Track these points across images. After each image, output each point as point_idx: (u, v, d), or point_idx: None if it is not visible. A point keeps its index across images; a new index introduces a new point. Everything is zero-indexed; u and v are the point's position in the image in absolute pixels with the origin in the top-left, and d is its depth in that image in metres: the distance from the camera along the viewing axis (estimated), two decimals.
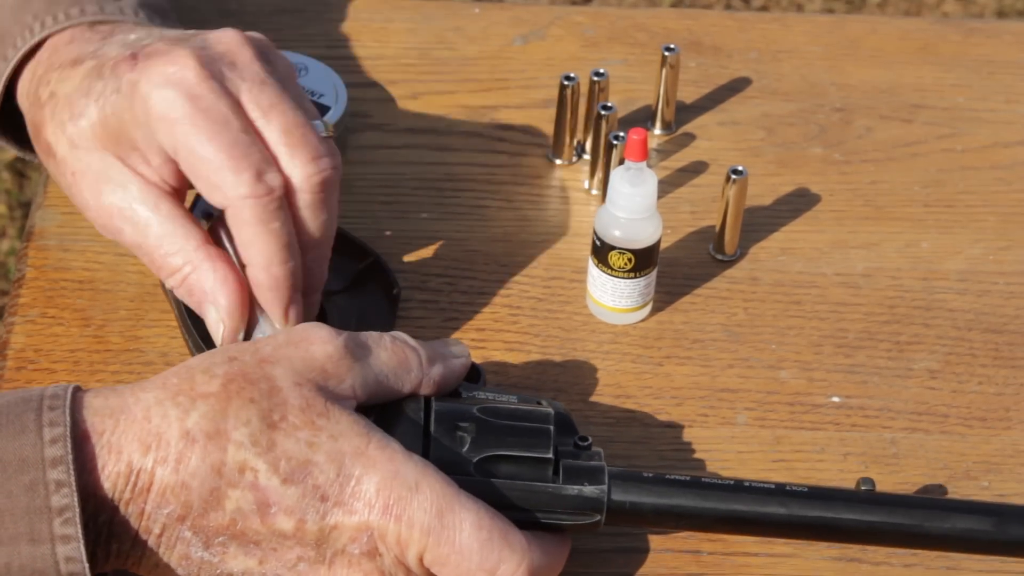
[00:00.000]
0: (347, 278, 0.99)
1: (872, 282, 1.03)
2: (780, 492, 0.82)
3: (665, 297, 1.01)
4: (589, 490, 0.82)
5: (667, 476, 0.83)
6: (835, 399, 0.96)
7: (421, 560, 0.79)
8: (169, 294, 0.94)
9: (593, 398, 0.95)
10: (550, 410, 0.84)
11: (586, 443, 0.84)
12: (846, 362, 0.98)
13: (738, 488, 0.82)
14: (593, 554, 0.87)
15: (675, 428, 0.94)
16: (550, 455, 0.82)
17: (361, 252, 1.00)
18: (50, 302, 0.99)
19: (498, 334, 0.98)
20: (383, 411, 0.82)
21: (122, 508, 0.77)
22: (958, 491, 0.91)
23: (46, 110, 0.91)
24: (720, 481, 0.83)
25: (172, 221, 0.89)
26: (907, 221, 1.06)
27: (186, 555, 0.78)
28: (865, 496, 0.83)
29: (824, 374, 0.97)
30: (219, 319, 0.88)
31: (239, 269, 0.89)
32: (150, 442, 0.76)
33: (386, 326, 0.96)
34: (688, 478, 0.83)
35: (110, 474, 0.76)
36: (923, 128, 1.13)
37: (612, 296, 0.98)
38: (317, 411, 0.78)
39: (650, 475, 0.83)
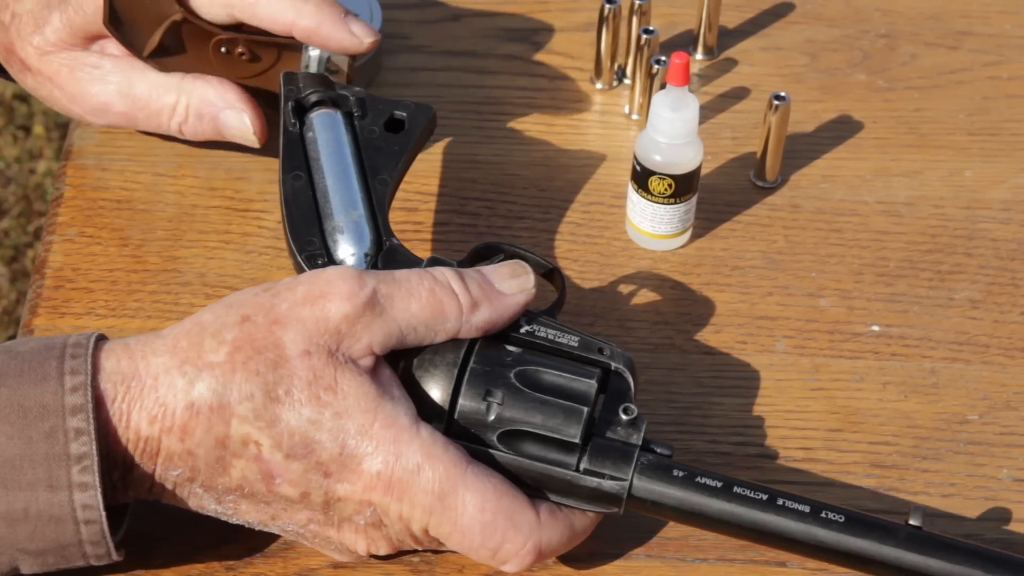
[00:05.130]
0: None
1: (914, 210, 1.02)
2: (815, 516, 0.78)
3: (705, 223, 1.00)
4: (609, 485, 0.79)
5: (697, 479, 0.79)
6: (875, 328, 0.95)
7: (427, 531, 0.79)
8: (282, 190, 0.89)
9: (631, 324, 0.95)
10: (593, 383, 0.80)
11: (630, 415, 0.80)
12: (887, 291, 0.97)
13: (770, 504, 0.78)
14: None
15: (713, 355, 0.93)
16: (576, 440, 0.79)
17: None
18: (88, 221, 0.99)
19: None
20: (416, 358, 0.80)
21: (134, 468, 0.77)
22: (997, 422, 0.90)
23: (11, 31, 0.97)
24: (752, 493, 0.79)
25: (149, 75, 0.96)
26: (951, 149, 1.05)
27: (200, 505, 0.79)
28: (905, 536, 0.78)
29: (864, 303, 0.97)
30: (240, 116, 0.95)
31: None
32: (156, 412, 0.76)
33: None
34: (719, 484, 0.79)
35: (121, 438, 0.76)
36: (969, 55, 1.11)
37: (652, 222, 0.97)
38: (324, 384, 0.76)
39: (681, 473, 0.79)
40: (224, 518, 0.79)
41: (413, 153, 0.92)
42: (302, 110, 0.92)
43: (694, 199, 0.97)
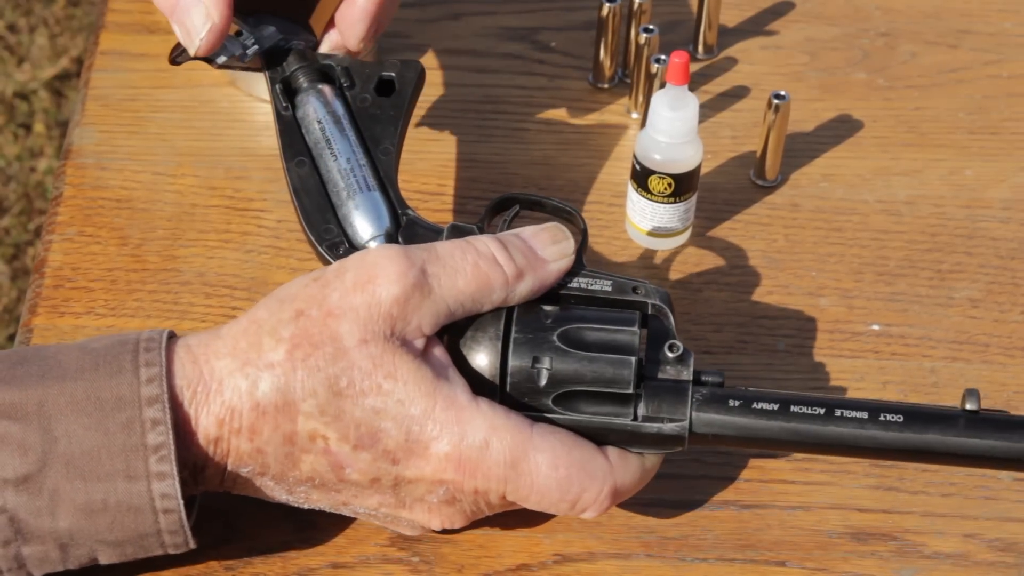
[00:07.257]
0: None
1: (914, 209, 1.02)
2: (874, 421, 0.78)
3: (705, 222, 1.00)
4: (669, 427, 0.79)
5: (754, 404, 0.79)
6: (875, 327, 0.95)
7: (503, 498, 0.79)
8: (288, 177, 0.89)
9: None
10: (635, 330, 0.80)
11: (676, 352, 0.81)
12: (887, 290, 0.97)
13: (829, 417, 0.79)
14: None
15: (714, 355, 0.93)
16: (630, 391, 0.79)
17: None
18: (88, 220, 0.99)
19: None
20: (460, 334, 0.80)
21: (206, 468, 0.78)
22: None
23: None
24: (810, 410, 0.79)
25: None
26: (951, 148, 1.05)
27: (272, 496, 0.80)
28: (965, 422, 0.78)
29: (864, 302, 0.96)
30: (205, 17, 0.87)
31: None
32: (223, 415, 0.77)
33: None
34: (776, 406, 0.79)
35: (190, 440, 0.77)
36: (969, 54, 1.11)
37: (651, 221, 0.97)
38: (384, 372, 0.77)
39: (737, 403, 0.79)
40: (295, 504, 0.81)
41: (409, 114, 0.91)
42: (291, 91, 0.91)
43: (694, 198, 0.97)
